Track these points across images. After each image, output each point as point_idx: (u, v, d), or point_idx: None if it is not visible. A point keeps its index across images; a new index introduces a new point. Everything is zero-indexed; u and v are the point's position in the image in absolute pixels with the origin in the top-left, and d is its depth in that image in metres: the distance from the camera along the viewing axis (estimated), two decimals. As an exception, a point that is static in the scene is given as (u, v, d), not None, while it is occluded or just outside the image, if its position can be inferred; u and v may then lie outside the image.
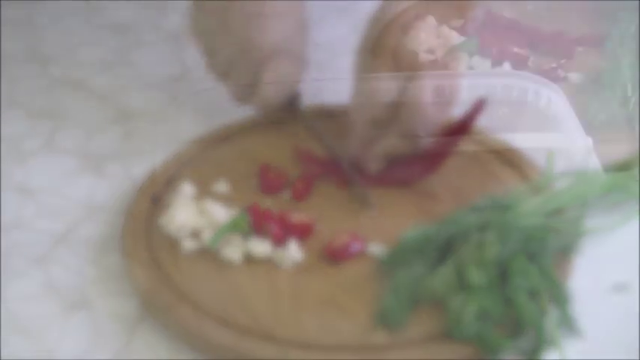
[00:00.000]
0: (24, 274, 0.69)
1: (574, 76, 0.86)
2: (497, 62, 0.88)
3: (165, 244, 0.67)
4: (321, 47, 0.95)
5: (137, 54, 0.95)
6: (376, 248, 0.65)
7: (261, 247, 0.66)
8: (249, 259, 0.65)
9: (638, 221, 0.72)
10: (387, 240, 0.64)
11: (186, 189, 0.70)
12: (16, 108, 0.87)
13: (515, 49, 0.89)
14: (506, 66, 0.88)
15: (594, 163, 0.54)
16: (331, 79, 0.65)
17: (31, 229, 0.73)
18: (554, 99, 0.60)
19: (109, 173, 0.79)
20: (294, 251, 0.65)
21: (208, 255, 0.66)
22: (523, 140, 0.62)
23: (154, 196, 0.71)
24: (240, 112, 0.75)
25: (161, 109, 0.86)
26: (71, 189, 0.77)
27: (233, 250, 0.66)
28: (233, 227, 0.67)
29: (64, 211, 0.75)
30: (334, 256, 0.65)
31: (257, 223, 0.67)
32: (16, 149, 0.82)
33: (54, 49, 0.96)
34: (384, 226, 0.66)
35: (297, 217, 0.68)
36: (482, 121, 0.63)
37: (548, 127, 0.60)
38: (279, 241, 0.66)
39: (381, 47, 0.64)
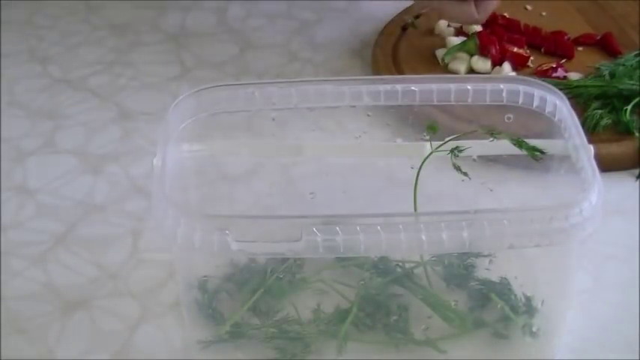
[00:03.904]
0: (24, 273, 0.69)
1: (574, 76, 0.86)
2: (497, 62, 0.88)
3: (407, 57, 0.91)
4: (321, 47, 0.95)
5: (137, 54, 0.95)
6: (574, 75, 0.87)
7: (482, 64, 0.88)
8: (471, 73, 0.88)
9: (638, 221, 0.72)
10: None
11: (441, 23, 0.95)
12: (16, 108, 0.87)
13: (515, 49, 0.89)
14: (506, 66, 0.88)
15: (593, 170, 0.54)
16: (331, 79, 0.65)
17: (31, 229, 0.73)
18: (559, 105, 0.60)
19: (108, 173, 0.79)
20: (507, 70, 0.87)
21: (439, 67, 0.89)
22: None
23: (404, 24, 0.95)
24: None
25: (161, 109, 0.86)
26: (71, 189, 0.77)
27: (460, 63, 0.88)
28: (463, 47, 0.90)
29: (64, 211, 0.75)
30: (539, 75, 0.84)
31: (482, 46, 0.89)
32: (16, 149, 0.82)
33: (54, 49, 0.96)
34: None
35: (516, 49, 0.89)
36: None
37: (552, 132, 0.61)
38: (497, 61, 0.88)
39: None
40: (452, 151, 0.63)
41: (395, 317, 0.61)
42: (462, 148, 0.63)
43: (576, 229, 0.51)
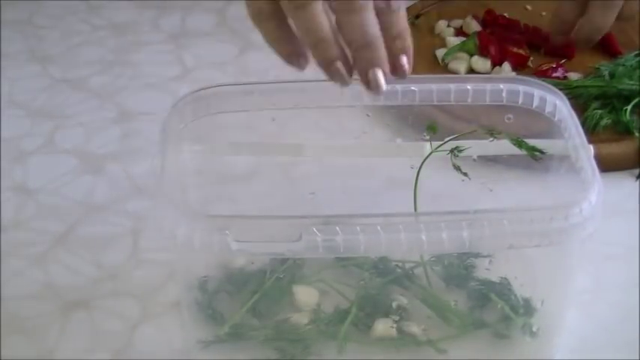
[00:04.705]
0: (24, 273, 0.69)
1: (574, 76, 0.86)
2: (497, 62, 0.88)
3: None
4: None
5: (137, 54, 0.95)
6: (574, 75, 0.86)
7: (482, 64, 0.87)
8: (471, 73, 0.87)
9: (638, 221, 0.72)
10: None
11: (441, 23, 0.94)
12: (16, 108, 0.87)
13: (515, 49, 0.89)
14: (506, 66, 0.88)
15: (593, 170, 0.54)
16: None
17: (31, 229, 0.73)
18: (559, 105, 0.60)
19: (108, 173, 0.79)
20: (507, 70, 0.87)
21: (439, 67, 0.88)
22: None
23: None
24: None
25: (161, 109, 0.86)
26: (71, 189, 0.77)
27: (460, 63, 0.88)
28: (463, 47, 0.89)
29: (64, 211, 0.75)
30: (539, 75, 0.83)
31: (482, 46, 0.88)
32: (16, 149, 0.82)
33: (54, 49, 0.96)
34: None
35: (516, 49, 0.89)
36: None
37: (552, 132, 0.61)
38: (497, 61, 0.87)
39: None
40: (452, 151, 0.63)
41: (395, 317, 0.61)
42: (462, 148, 0.63)
43: (576, 228, 0.51)
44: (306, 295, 0.62)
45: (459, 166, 0.63)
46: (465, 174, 0.63)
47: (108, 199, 0.76)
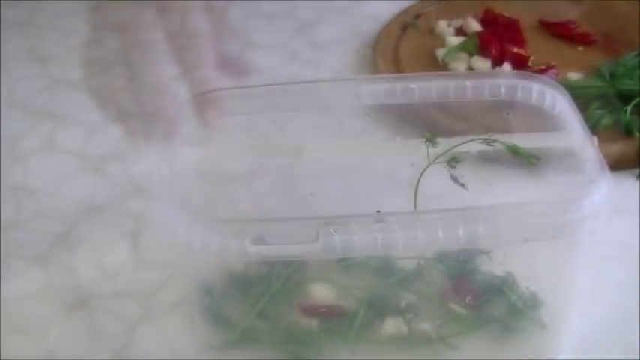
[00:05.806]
0: (24, 274, 0.69)
1: (574, 76, 0.86)
2: (497, 62, 0.88)
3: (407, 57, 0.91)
4: (321, 47, 0.95)
5: (137, 54, 0.95)
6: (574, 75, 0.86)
7: (482, 64, 0.87)
8: None
9: (638, 221, 0.72)
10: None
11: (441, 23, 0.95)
12: (16, 108, 0.87)
13: (515, 49, 0.89)
14: (506, 66, 0.88)
15: (600, 161, 0.54)
16: (331, 79, 0.65)
17: (31, 229, 0.73)
18: (558, 98, 0.60)
19: (108, 173, 0.79)
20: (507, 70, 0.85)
21: (439, 68, 0.89)
22: (528, 140, 0.63)
23: (404, 24, 0.95)
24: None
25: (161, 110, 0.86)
26: (71, 189, 0.77)
27: (460, 63, 0.89)
28: (463, 47, 0.90)
29: (64, 211, 0.75)
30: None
31: (482, 46, 0.89)
32: (16, 149, 0.82)
33: (54, 49, 0.96)
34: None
35: (516, 49, 0.89)
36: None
37: (553, 126, 0.61)
38: (497, 62, 0.87)
39: None
40: (449, 162, 0.63)
41: (404, 316, 0.61)
42: (459, 159, 0.63)
43: (586, 220, 0.51)
44: (314, 296, 0.62)
45: (456, 177, 0.63)
46: (463, 185, 0.62)
47: (108, 199, 0.76)
